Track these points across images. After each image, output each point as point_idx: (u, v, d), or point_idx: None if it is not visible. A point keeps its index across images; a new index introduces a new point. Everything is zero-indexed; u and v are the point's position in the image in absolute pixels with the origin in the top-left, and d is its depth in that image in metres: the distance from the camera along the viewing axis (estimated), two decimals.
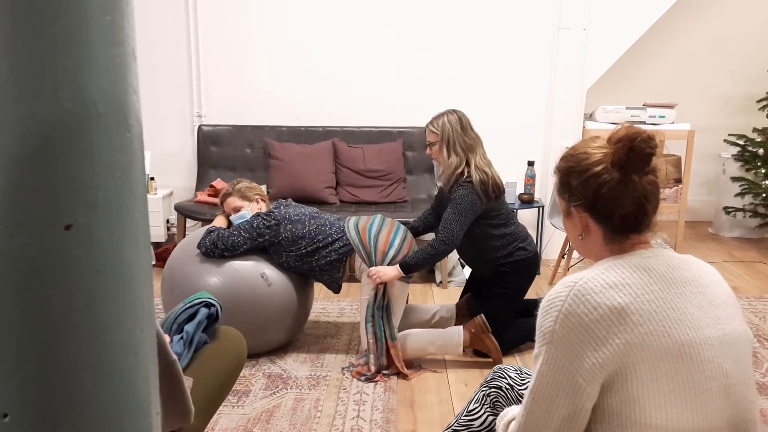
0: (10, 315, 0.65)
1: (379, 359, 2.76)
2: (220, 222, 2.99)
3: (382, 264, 2.81)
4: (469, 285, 3.19)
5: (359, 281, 2.89)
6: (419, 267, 2.79)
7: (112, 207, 0.69)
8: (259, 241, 2.83)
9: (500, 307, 2.94)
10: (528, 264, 2.95)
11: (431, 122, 2.91)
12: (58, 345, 0.66)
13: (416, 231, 3.08)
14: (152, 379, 0.77)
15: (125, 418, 0.72)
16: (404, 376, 2.77)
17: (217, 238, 2.81)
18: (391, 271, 2.76)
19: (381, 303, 2.76)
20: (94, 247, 0.67)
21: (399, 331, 2.84)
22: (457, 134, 2.85)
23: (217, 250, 2.80)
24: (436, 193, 3.18)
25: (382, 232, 2.87)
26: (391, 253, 2.82)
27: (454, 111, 2.90)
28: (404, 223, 3.04)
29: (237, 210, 2.97)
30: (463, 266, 4.07)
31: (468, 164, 2.83)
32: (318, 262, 2.86)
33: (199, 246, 2.83)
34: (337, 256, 2.85)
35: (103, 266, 0.68)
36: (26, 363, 0.66)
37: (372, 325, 2.76)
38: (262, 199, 3.04)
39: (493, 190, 2.84)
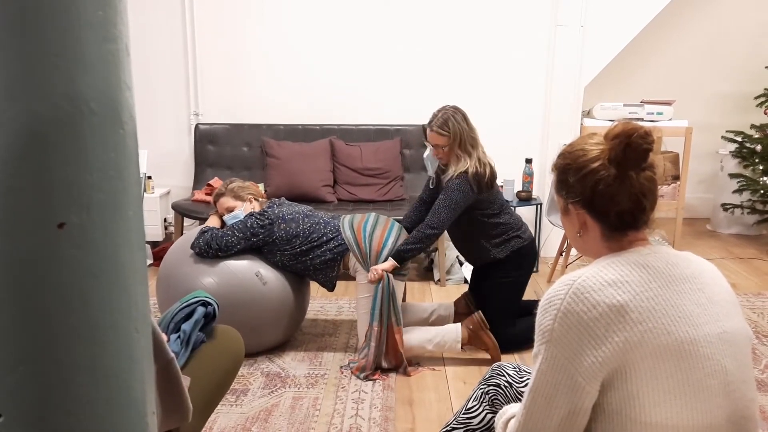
0: (4, 316, 0.64)
1: (379, 347, 2.75)
2: (213, 222, 2.98)
3: (376, 262, 2.81)
4: (472, 283, 3.18)
5: (355, 279, 2.88)
6: (410, 254, 2.81)
7: (106, 206, 0.68)
8: (253, 241, 2.82)
9: (503, 300, 2.94)
10: (525, 251, 2.97)
11: (441, 126, 2.83)
12: (52, 346, 0.66)
13: (408, 231, 3.06)
14: (147, 380, 0.76)
15: (120, 420, 0.71)
16: (404, 373, 2.76)
17: (211, 239, 2.80)
18: (386, 265, 2.77)
19: (387, 290, 2.76)
20: (88, 248, 0.66)
21: None
22: (466, 133, 2.85)
23: (210, 251, 2.79)
24: (427, 181, 3.13)
25: (377, 231, 2.87)
26: (385, 252, 2.82)
27: (453, 107, 2.88)
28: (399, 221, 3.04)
29: (230, 210, 2.96)
30: (461, 264, 4.07)
31: (470, 158, 2.84)
32: (312, 262, 2.85)
33: (192, 246, 2.82)
34: (332, 255, 2.84)
35: (98, 267, 0.67)
36: (20, 364, 0.65)
37: (380, 311, 2.75)
38: (255, 199, 3.02)
39: (488, 181, 2.84)
